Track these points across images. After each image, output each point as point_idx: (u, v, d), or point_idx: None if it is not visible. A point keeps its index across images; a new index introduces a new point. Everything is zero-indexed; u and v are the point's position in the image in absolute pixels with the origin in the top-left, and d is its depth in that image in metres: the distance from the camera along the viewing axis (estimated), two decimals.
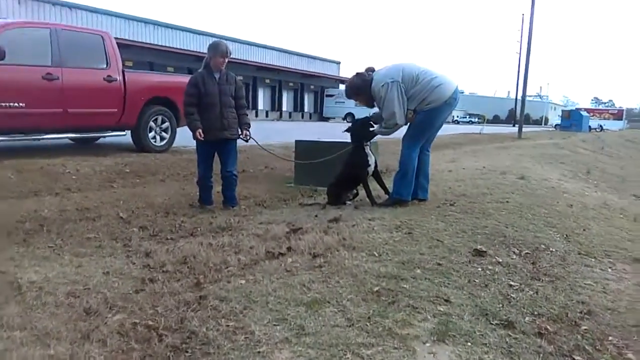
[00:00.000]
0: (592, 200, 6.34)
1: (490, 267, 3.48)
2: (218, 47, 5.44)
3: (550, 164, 9.36)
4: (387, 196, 5.33)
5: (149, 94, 9.37)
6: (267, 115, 42.64)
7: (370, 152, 5.33)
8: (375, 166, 5.38)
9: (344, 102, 47.10)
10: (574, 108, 69.59)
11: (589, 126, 50.59)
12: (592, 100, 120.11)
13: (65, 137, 8.95)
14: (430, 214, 4.70)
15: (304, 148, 8.10)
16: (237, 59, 32.88)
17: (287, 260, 3.36)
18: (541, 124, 67.16)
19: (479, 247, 3.80)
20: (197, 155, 5.72)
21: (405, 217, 4.53)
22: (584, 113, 52.58)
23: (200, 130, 5.36)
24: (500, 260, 3.63)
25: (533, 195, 5.88)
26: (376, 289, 2.87)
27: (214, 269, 3.26)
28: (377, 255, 3.49)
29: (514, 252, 3.86)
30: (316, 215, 4.78)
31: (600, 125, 56.28)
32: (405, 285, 2.95)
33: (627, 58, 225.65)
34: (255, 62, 39.80)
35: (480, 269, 3.43)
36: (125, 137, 9.60)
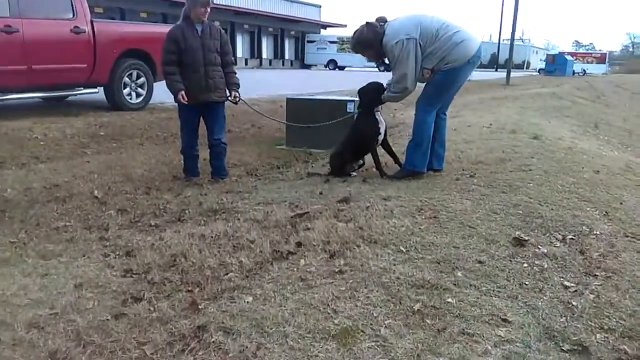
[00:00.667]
0: (613, 162, 5.83)
1: (537, 262, 2.95)
2: None
3: (557, 118, 8.82)
4: (397, 166, 4.75)
5: (121, 46, 8.53)
6: (246, 63, 41.21)
7: (380, 119, 4.71)
8: (385, 133, 4.77)
9: (325, 49, 45.78)
10: (556, 52, 68.86)
11: (573, 70, 50.17)
12: (573, 43, 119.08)
13: (30, 97, 8.11)
14: (451, 189, 4.13)
15: (296, 106, 7.43)
16: (214, 4, 31.22)
17: (299, 263, 2.78)
18: (523, 68, 66.35)
19: (517, 234, 3.26)
20: (179, 121, 5.04)
21: (424, 194, 3.96)
22: (569, 57, 52.02)
23: (183, 93, 4.67)
24: (545, 251, 3.10)
25: (554, 159, 5.33)
26: (417, 307, 2.32)
27: (211, 276, 2.67)
28: (404, 251, 2.94)
29: (556, 239, 3.33)
30: (321, 192, 4.18)
31: (584, 70, 55.83)
32: (450, 300, 2.40)
33: (606, 0, 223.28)
34: (233, 7, 38.00)
35: (526, 265, 2.90)
36: (98, 94, 8.79)
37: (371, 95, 4.66)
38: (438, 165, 4.70)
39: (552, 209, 3.78)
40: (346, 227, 3.24)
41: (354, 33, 4.57)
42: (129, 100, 8.90)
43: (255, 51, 43.04)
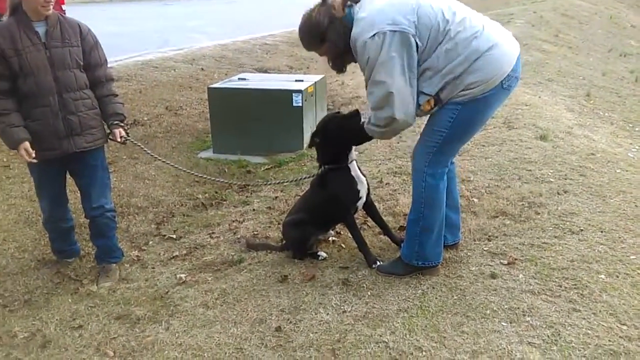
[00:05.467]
0: None
1: None
2: None
3: (542, 86, 7.28)
4: (388, 237, 3.12)
5: None
6: None
7: (359, 174, 2.96)
8: (368, 193, 3.04)
9: None
10: None
11: None
12: None
13: None
14: (496, 312, 2.49)
15: (222, 99, 5.52)
16: None
17: None
18: None
19: None
20: (33, 182, 3.10)
21: (464, 342, 2.31)
22: None
23: (27, 144, 2.72)
24: None
25: (593, 192, 3.78)
26: None
27: None
28: None
29: None
30: (278, 328, 2.46)
31: None
32: None
33: None
34: None
35: None
36: None
37: (338, 137, 2.87)
38: (453, 239, 3.04)
39: None
40: None
41: (300, 21, 2.68)
42: None
43: None
